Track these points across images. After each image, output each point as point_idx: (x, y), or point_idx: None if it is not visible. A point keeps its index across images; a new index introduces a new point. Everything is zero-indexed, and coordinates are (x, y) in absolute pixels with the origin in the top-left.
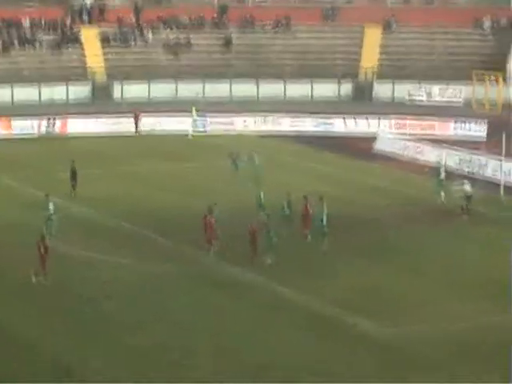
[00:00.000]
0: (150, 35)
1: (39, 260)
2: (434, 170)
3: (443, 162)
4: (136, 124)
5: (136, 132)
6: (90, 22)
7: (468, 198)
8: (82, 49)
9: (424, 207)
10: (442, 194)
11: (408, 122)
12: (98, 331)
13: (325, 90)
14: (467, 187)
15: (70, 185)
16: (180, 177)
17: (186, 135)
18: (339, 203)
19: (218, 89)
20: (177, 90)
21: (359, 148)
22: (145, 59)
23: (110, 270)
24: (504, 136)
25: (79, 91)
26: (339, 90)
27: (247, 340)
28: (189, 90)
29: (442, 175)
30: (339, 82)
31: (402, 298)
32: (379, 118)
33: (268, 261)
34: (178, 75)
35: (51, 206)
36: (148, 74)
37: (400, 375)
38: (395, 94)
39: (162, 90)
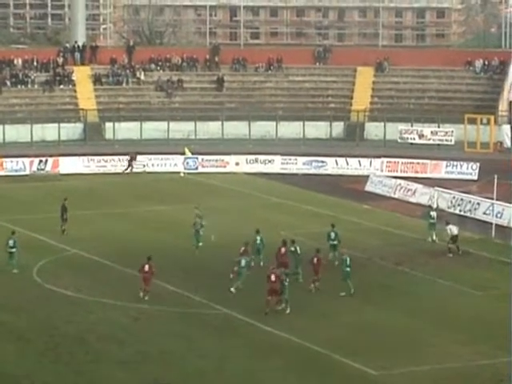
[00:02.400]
0: (143, 75)
1: (143, 280)
2: (426, 211)
3: (434, 204)
4: (130, 165)
5: (127, 172)
6: (82, 62)
7: (453, 238)
8: (74, 89)
9: (415, 248)
10: (434, 235)
11: (399, 163)
12: (87, 373)
13: (316, 130)
14: (453, 228)
15: (60, 222)
16: (171, 217)
17: (178, 173)
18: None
19: (210, 129)
20: (169, 130)
21: (350, 188)
22: (137, 99)
23: (99, 310)
24: (496, 177)
25: (71, 131)
26: (331, 131)
27: (238, 381)
28: (181, 130)
29: (433, 216)
30: (331, 123)
31: (396, 339)
32: (371, 159)
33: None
34: (170, 115)
35: (11, 242)
36: (140, 114)
37: None
38: (387, 135)
39: (154, 130)
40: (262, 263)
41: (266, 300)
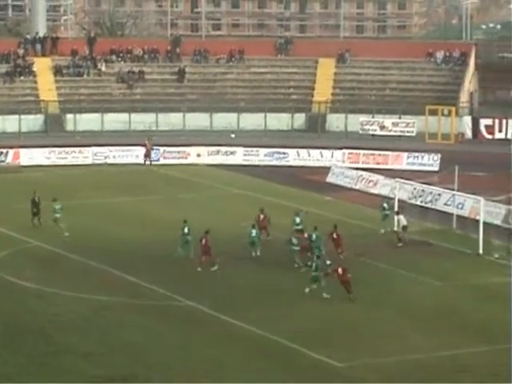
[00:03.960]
0: (104, 67)
1: (201, 253)
2: (382, 202)
3: (397, 195)
4: (148, 155)
5: (148, 164)
6: (43, 54)
7: (404, 228)
8: (35, 80)
9: (377, 239)
10: (387, 226)
11: (361, 154)
12: (50, 364)
13: (278, 121)
14: (402, 219)
15: (30, 215)
16: (134, 208)
17: (144, 164)
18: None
19: (172, 120)
20: (130, 122)
21: (312, 180)
22: (98, 91)
23: (61, 302)
24: (457, 169)
25: (32, 122)
26: (292, 122)
27: (201, 372)
28: (142, 121)
29: (386, 208)
30: (293, 114)
31: (359, 330)
32: (332, 150)
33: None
34: (131, 107)
35: None
36: (101, 105)
37: None
38: (348, 127)
39: (115, 121)
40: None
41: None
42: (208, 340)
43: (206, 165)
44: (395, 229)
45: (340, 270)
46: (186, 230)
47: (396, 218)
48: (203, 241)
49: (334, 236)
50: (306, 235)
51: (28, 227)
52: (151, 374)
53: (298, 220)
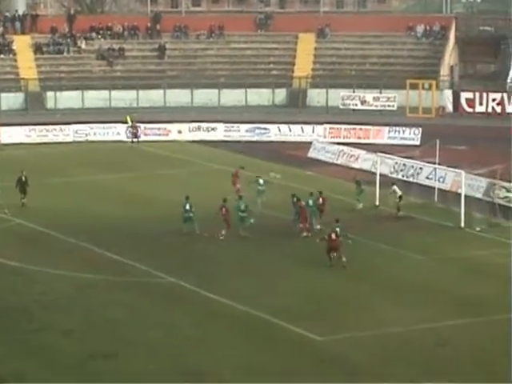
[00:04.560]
0: (84, 44)
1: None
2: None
3: (376, 170)
4: (135, 134)
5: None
6: (22, 31)
7: (400, 197)
8: (15, 58)
9: (358, 214)
10: (359, 202)
11: (342, 129)
12: (32, 341)
13: (259, 97)
14: (396, 189)
15: (19, 195)
16: (116, 186)
17: (131, 142)
18: (274, 210)
19: (152, 97)
20: (110, 99)
21: (293, 155)
22: (78, 68)
23: (44, 280)
24: (438, 142)
25: (12, 100)
26: (273, 98)
27: (184, 349)
28: (123, 98)
29: (361, 183)
30: (273, 90)
31: (340, 304)
32: (313, 125)
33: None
34: (111, 84)
35: None
36: (81, 82)
37: (338, 380)
38: (329, 102)
39: (95, 98)
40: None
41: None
42: (190, 317)
43: (187, 141)
44: (396, 200)
45: (333, 236)
46: (187, 207)
47: (392, 188)
48: (223, 210)
49: (320, 201)
50: (303, 203)
51: (9, 205)
52: (132, 352)
53: (261, 181)
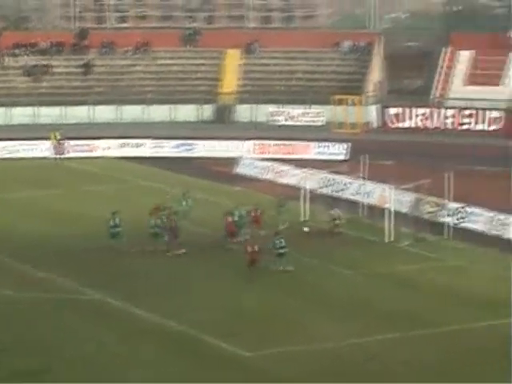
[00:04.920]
0: (9, 61)
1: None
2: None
3: (304, 185)
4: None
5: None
6: None
7: (336, 220)
8: None
9: (286, 230)
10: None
11: (270, 144)
12: None
13: (186, 113)
14: (335, 213)
15: None
16: (42, 203)
17: (55, 159)
18: (202, 226)
19: (79, 113)
20: (37, 116)
21: (221, 171)
22: (4, 85)
23: None
24: (365, 158)
25: None
26: (200, 114)
27: (112, 366)
28: (49, 114)
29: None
30: (201, 106)
31: (269, 320)
32: (241, 141)
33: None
34: (37, 100)
35: None
36: (8, 99)
37: None
38: (257, 117)
39: (21, 115)
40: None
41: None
42: (118, 333)
43: (114, 157)
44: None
45: (254, 248)
46: (115, 222)
47: (332, 211)
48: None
49: (253, 214)
50: (230, 219)
51: None
52: (63, 368)
53: (189, 201)
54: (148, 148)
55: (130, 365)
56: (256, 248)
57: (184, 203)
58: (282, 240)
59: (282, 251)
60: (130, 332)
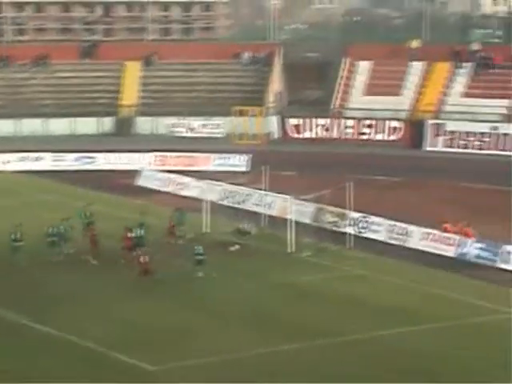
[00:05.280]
0: None
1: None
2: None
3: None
4: None
5: None
6: None
7: (243, 233)
8: None
9: (187, 242)
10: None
11: (170, 156)
12: None
13: (86, 126)
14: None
15: None
16: None
17: None
18: (103, 239)
19: None
20: None
21: (122, 183)
22: None
23: None
24: (265, 168)
25: None
26: (101, 126)
27: (7, 379)
28: None
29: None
30: (101, 118)
31: (173, 333)
32: (141, 154)
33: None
34: None
35: None
36: None
37: None
38: (157, 130)
39: None
40: None
41: None
42: (17, 349)
43: (13, 171)
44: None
45: (147, 259)
46: (16, 236)
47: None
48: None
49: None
50: (129, 234)
51: None
52: None
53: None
54: (48, 161)
55: (27, 379)
56: (147, 259)
57: (83, 216)
58: (201, 247)
59: (200, 258)
60: (27, 347)
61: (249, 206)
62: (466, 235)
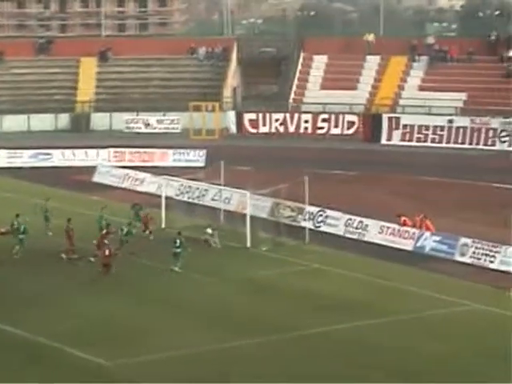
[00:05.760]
0: None
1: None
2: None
3: (161, 193)
4: None
5: None
6: None
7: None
8: None
9: (146, 238)
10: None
11: (126, 152)
12: None
13: (42, 122)
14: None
15: None
16: None
17: None
18: (58, 235)
19: None
20: None
21: (78, 180)
22: None
23: None
24: (222, 163)
25: None
26: (57, 123)
27: None
28: None
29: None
30: (56, 115)
31: (130, 329)
32: (97, 150)
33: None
34: None
35: None
36: None
37: None
38: (113, 125)
39: None
40: None
41: None
42: None
43: None
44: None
45: (107, 252)
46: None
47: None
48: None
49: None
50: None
51: None
52: None
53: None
54: (4, 158)
55: None
56: (107, 252)
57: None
58: (178, 240)
59: (176, 251)
60: None
61: (206, 202)
62: (427, 228)
